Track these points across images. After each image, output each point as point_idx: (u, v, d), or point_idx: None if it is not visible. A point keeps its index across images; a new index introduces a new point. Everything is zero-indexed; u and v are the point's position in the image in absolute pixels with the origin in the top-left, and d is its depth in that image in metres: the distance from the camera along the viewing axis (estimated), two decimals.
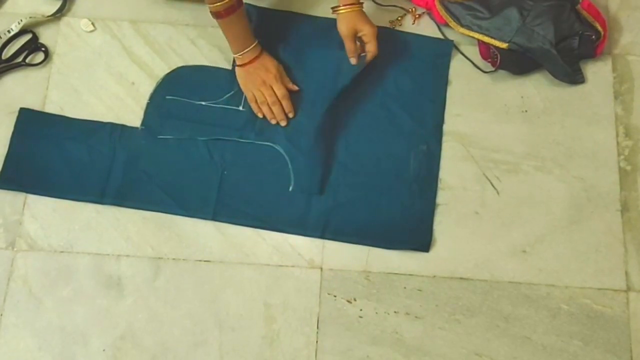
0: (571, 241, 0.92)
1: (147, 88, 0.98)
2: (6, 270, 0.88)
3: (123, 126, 0.95)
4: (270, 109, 0.94)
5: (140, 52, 1.00)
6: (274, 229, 0.91)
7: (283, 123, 0.95)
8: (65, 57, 1.00)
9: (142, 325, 0.87)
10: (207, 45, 1.01)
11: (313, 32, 1.01)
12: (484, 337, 0.87)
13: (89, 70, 0.99)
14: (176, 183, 0.92)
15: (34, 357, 0.85)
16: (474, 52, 1.01)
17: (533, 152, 0.96)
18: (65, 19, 1.02)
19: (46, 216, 0.91)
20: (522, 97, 1.00)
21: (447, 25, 1.01)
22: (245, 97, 0.96)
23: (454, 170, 0.95)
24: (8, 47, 0.99)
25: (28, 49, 0.99)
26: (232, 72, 0.97)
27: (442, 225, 0.92)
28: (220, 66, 1.00)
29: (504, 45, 0.97)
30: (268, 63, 0.94)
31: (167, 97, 0.97)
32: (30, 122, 0.95)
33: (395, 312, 0.88)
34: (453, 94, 0.99)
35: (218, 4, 0.85)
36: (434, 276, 0.90)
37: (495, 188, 0.94)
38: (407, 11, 1.04)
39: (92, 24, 1.01)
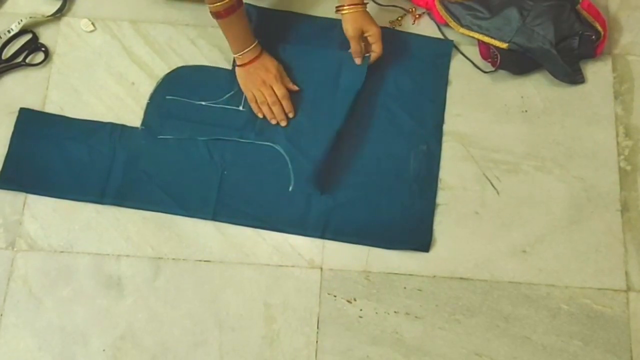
0: (571, 241, 0.92)
1: (147, 88, 0.98)
2: (6, 270, 0.88)
3: (123, 126, 0.95)
4: (270, 109, 0.94)
5: (140, 52, 1.00)
6: (274, 229, 0.91)
7: (283, 123, 0.95)
8: (65, 57, 1.00)
9: (142, 325, 0.87)
10: (207, 45, 1.01)
11: (313, 32, 1.02)
12: (484, 337, 0.87)
13: (89, 70, 0.99)
14: (176, 183, 0.92)
15: (34, 357, 0.85)
16: (474, 52, 1.01)
17: (533, 152, 0.96)
18: (65, 19, 1.02)
19: (46, 216, 0.91)
20: (522, 97, 1.00)
21: (447, 25, 1.01)
22: (245, 97, 0.96)
23: (454, 170, 0.95)
24: (8, 47, 0.99)
25: (28, 49, 0.99)
26: (232, 72, 0.97)
27: (442, 225, 0.92)
28: (220, 66, 1.00)
29: (504, 45, 0.97)
30: (268, 63, 0.94)
31: (167, 97, 0.97)
32: (30, 122, 0.95)
33: (395, 312, 0.88)
34: (453, 94, 0.99)
35: (218, 4, 0.85)
36: (434, 276, 0.90)
37: (495, 188, 0.94)
38: (407, 11, 1.04)
39: (92, 24, 1.01)
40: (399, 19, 1.04)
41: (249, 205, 0.92)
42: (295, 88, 0.97)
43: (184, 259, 0.90)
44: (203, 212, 0.91)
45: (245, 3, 0.93)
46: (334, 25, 1.00)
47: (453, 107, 0.98)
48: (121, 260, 0.89)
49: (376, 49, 0.92)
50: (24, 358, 0.85)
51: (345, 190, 0.93)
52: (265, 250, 0.90)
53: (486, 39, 0.98)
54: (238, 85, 0.96)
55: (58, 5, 1.01)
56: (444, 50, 1.02)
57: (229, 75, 0.98)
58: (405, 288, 0.89)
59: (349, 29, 0.90)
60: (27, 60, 0.98)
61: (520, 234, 0.92)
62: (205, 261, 0.90)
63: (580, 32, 0.97)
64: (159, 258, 0.90)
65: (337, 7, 0.91)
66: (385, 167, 0.94)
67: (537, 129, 0.98)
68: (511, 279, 0.90)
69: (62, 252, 0.89)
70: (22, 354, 0.85)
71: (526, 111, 0.99)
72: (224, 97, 0.97)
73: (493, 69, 0.99)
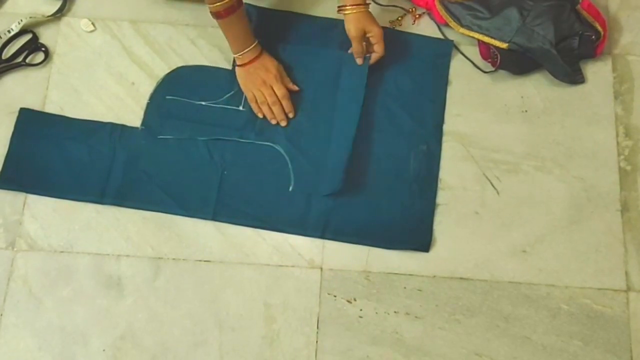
0: (571, 241, 0.92)
1: (147, 88, 0.98)
2: (6, 270, 0.88)
3: (123, 126, 0.95)
4: (270, 109, 0.94)
5: (140, 52, 1.00)
6: (274, 229, 0.91)
7: (283, 123, 0.95)
8: (65, 57, 1.00)
9: (142, 325, 0.87)
10: (207, 45, 1.01)
11: (313, 32, 1.02)
12: (484, 337, 0.87)
13: (89, 70, 0.99)
14: (176, 183, 0.92)
15: (34, 357, 0.85)
16: (474, 52, 1.01)
17: (533, 152, 0.96)
18: (65, 19, 1.02)
19: (46, 216, 0.91)
20: (522, 97, 1.00)
21: (447, 25, 1.01)
22: (245, 97, 0.96)
23: (454, 170, 0.95)
24: (8, 47, 0.99)
25: (28, 49, 0.99)
26: (232, 72, 0.97)
27: (442, 225, 0.92)
28: (220, 66, 1.00)
29: (504, 45, 0.97)
30: (268, 63, 0.94)
31: (167, 97, 0.97)
32: (30, 122, 0.95)
33: (395, 312, 0.88)
34: (453, 94, 0.99)
35: (218, 4, 0.85)
36: (434, 276, 0.90)
37: (495, 188, 0.94)
38: (407, 11, 1.04)
39: (92, 24, 1.01)
40: (399, 19, 1.04)
41: (249, 205, 0.92)
42: (296, 88, 0.97)
43: (184, 259, 0.90)
44: (203, 212, 0.91)
45: (245, 3, 0.93)
46: (334, 25, 1.00)
47: (453, 107, 0.98)
48: (121, 260, 0.89)
49: (378, 50, 0.92)
50: (24, 358, 0.85)
51: (345, 190, 0.93)
52: (265, 250, 0.90)
53: (486, 39, 0.98)
54: (238, 85, 0.96)
55: (58, 5, 1.01)
56: (444, 50, 1.02)
57: (229, 75, 0.98)
58: (405, 288, 0.89)
59: (351, 29, 0.90)
60: (27, 60, 0.98)
61: (520, 234, 0.92)
62: (205, 261, 0.90)
63: (580, 32, 0.97)
64: (159, 258, 0.90)
65: (339, 7, 0.91)
66: (385, 167, 0.94)
67: (537, 129, 0.98)
68: (511, 279, 0.90)
69: (62, 252, 0.89)
70: (22, 354, 0.85)
71: (526, 111, 0.99)
72: (224, 97, 0.97)
73: (493, 69, 0.99)
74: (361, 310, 0.88)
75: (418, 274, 0.90)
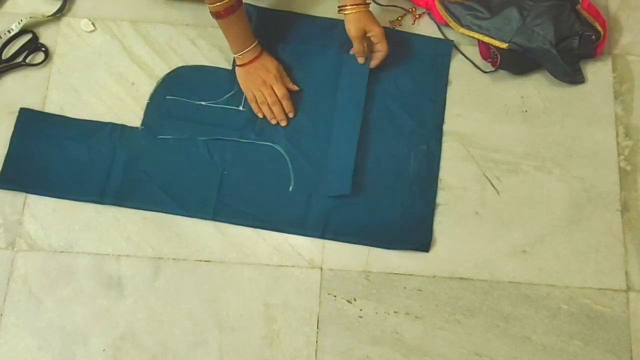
0: (571, 241, 0.92)
1: (147, 88, 0.98)
2: (6, 270, 0.88)
3: (123, 126, 0.95)
4: (270, 109, 0.94)
5: (140, 52, 1.00)
6: (274, 229, 0.91)
7: (283, 123, 0.95)
8: (65, 57, 1.00)
9: (142, 325, 0.87)
10: (207, 45, 1.01)
11: (313, 32, 1.02)
12: (484, 337, 0.87)
13: (89, 70, 0.99)
14: (176, 183, 0.92)
15: (34, 357, 0.85)
16: (474, 52, 1.01)
17: (533, 152, 0.96)
18: (65, 19, 1.02)
19: (46, 216, 0.91)
20: (522, 97, 1.00)
21: (447, 25, 1.01)
22: (245, 97, 0.96)
23: (454, 170, 0.95)
24: (8, 47, 0.99)
25: (28, 49, 0.99)
26: (232, 72, 0.97)
27: (442, 225, 0.92)
28: (220, 66, 1.00)
29: (504, 45, 0.97)
30: (268, 63, 0.94)
31: (167, 97, 0.97)
32: (30, 122, 0.95)
33: (395, 312, 0.88)
34: (453, 94, 0.99)
35: (218, 4, 0.85)
36: (434, 276, 0.90)
37: (495, 188, 0.94)
38: (407, 11, 1.04)
39: (92, 24, 1.01)
40: (399, 19, 1.04)
41: (249, 205, 0.92)
42: (296, 88, 0.97)
43: (184, 259, 0.90)
44: (203, 212, 0.91)
45: (245, 3, 0.93)
46: (334, 25, 1.00)
47: (453, 107, 0.98)
48: (121, 260, 0.89)
49: (381, 48, 0.92)
50: (24, 358, 0.85)
51: None
52: (265, 250, 0.90)
53: (486, 39, 0.98)
54: (238, 85, 0.96)
55: (58, 5, 1.01)
56: (444, 50, 1.02)
57: (229, 75, 0.98)
58: (405, 288, 0.89)
59: (352, 29, 0.90)
60: (27, 60, 0.98)
61: (520, 234, 0.92)
62: (205, 261, 0.90)
63: (580, 32, 0.97)
64: (159, 258, 0.90)
65: (339, 7, 0.91)
66: (385, 167, 0.94)
67: (537, 129, 0.98)
68: (511, 279, 0.90)
69: (62, 252, 0.89)
70: (22, 354, 0.85)
71: (526, 111, 0.99)
72: (224, 97, 0.97)
73: (493, 69, 0.99)
74: (361, 310, 0.88)
75: (418, 274, 0.90)
